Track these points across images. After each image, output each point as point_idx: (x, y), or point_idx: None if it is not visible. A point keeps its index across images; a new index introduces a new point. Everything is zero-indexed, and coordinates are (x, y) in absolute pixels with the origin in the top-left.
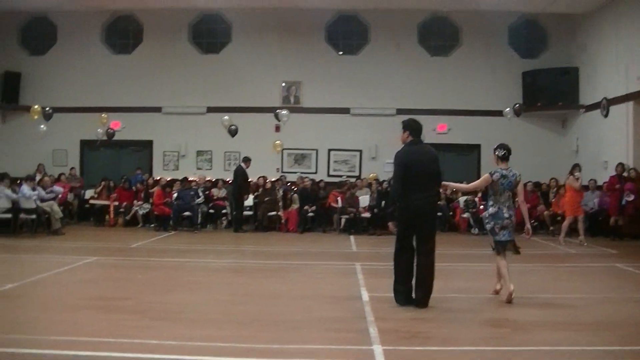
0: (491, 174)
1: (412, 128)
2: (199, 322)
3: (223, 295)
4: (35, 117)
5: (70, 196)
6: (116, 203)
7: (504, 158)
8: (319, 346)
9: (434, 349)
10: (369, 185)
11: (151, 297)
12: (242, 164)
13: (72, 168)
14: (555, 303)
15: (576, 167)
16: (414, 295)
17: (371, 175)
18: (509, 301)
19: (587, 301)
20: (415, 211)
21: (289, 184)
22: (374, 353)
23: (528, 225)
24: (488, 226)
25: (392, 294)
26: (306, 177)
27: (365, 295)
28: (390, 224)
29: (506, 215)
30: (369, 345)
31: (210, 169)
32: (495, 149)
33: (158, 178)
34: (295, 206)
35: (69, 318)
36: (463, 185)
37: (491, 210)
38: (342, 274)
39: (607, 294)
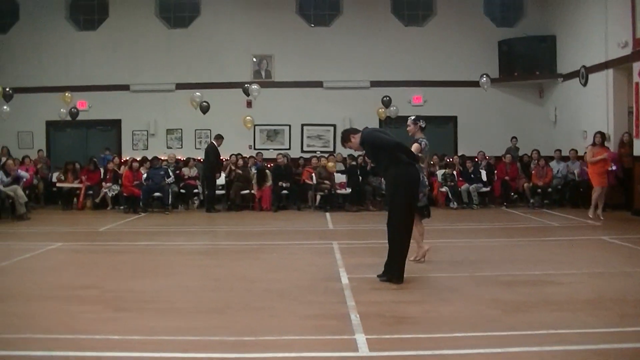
0: (419, 142)
1: (354, 131)
2: (166, 312)
3: (194, 280)
4: None
5: (36, 179)
6: (88, 184)
7: (424, 129)
8: (297, 337)
9: (422, 337)
10: (344, 160)
11: (117, 284)
12: (214, 142)
13: (39, 150)
14: (546, 280)
15: (596, 135)
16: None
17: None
18: (418, 261)
19: (578, 277)
20: (412, 176)
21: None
22: (356, 343)
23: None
24: None
25: (388, 275)
26: (279, 154)
27: (344, 277)
28: None
29: (426, 182)
30: (352, 335)
31: (181, 148)
32: (416, 120)
33: (127, 159)
34: (269, 184)
35: (25, 311)
36: None
37: None
38: (319, 253)
39: (597, 268)
